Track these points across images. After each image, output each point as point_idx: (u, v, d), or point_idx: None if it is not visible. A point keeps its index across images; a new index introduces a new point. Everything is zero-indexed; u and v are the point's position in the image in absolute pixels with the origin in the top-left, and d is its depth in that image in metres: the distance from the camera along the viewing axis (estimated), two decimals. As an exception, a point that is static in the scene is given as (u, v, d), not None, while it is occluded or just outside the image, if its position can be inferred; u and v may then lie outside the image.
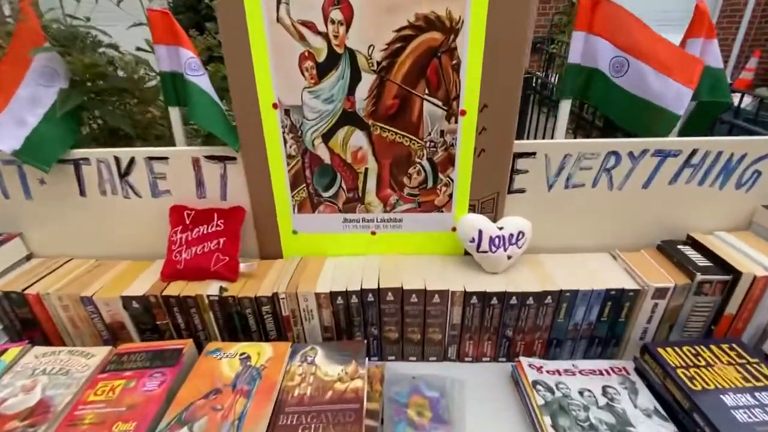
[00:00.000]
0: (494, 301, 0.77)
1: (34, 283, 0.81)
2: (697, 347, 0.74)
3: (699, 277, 0.74)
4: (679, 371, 0.69)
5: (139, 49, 0.91)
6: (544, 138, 3.07)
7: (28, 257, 0.91)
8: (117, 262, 0.88)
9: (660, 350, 0.74)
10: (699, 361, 0.71)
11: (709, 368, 0.69)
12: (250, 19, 0.67)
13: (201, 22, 2.66)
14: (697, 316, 0.78)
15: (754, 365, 0.70)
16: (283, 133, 0.76)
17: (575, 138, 3.06)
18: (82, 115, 0.88)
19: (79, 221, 0.87)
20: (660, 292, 0.75)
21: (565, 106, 0.84)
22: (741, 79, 5.93)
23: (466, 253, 0.85)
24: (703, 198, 0.83)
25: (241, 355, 0.72)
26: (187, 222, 0.81)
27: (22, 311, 0.81)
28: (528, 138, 3.08)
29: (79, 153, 0.80)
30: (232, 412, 0.61)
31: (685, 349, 0.74)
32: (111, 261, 0.88)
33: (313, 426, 0.60)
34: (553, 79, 4.69)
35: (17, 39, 0.79)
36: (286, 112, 0.74)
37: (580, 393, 0.71)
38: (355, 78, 0.71)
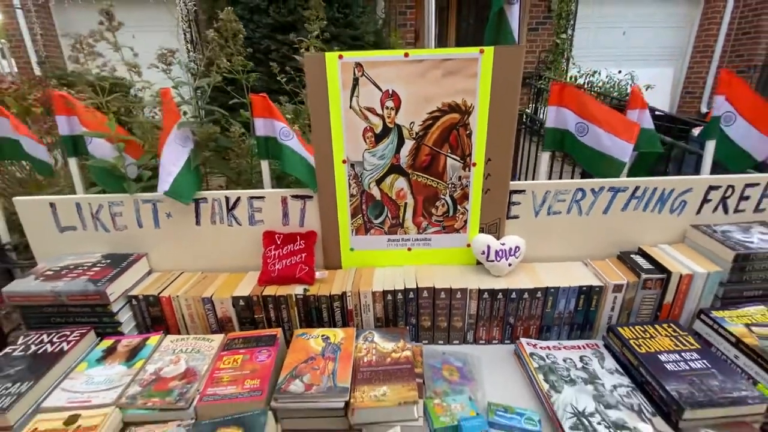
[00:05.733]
0: (500, 296, 1.07)
1: (164, 289, 1.11)
2: (645, 326, 1.04)
3: (643, 276, 1.05)
4: (631, 341, 0.99)
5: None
6: (535, 164, 3.45)
7: (149, 272, 1.20)
8: (218, 274, 1.18)
9: (620, 329, 1.03)
10: (646, 335, 1.01)
11: (652, 339, 0.99)
12: (332, 106, 1.00)
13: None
14: (645, 305, 1.09)
15: (683, 337, 0.99)
16: (349, 179, 1.08)
17: (563, 161, 3.46)
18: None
19: (192, 243, 1.18)
20: (617, 287, 1.06)
21: (545, 157, 1.17)
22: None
23: (478, 263, 1.16)
24: (647, 220, 1.15)
25: (322, 336, 1.01)
26: (278, 242, 1.12)
27: (154, 310, 1.10)
28: (520, 165, 3.46)
29: (200, 194, 1.12)
30: (327, 370, 0.90)
31: (637, 328, 1.04)
32: (213, 273, 1.18)
33: (382, 377, 0.89)
34: (541, 114, 5.13)
35: (167, 115, 1.10)
36: (352, 165, 1.07)
37: (564, 360, 1.01)
38: (401, 143, 1.04)
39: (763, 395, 0.83)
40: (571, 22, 6.37)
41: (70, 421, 0.81)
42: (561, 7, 6.17)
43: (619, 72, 6.39)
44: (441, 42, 6.79)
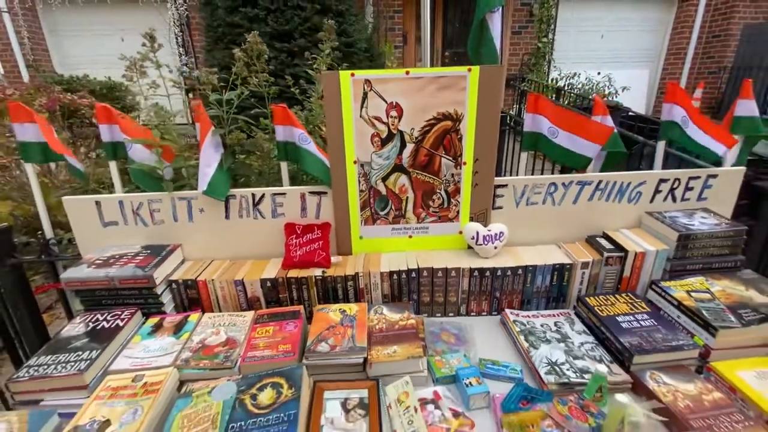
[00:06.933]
0: (487, 274, 1.27)
1: (199, 274, 1.28)
2: (608, 296, 1.25)
3: (606, 254, 1.26)
4: (596, 308, 1.20)
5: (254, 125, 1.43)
6: (519, 160, 3.71)
7: (182, 261, 1.37)
8: (245, 261, 1.35)
9: (587, 299, 1.24)
10: (608, 302, 1.22)
11: (613, 305, 1.20)
12: (345, 115, 1.19)
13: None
14: (608, 279, 1.30)
15: (638, 303, 1.21)
16: (359, 177, 1.27)
17: (544, 159, 3.70)
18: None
19: (221, 235, 1.35)
20: (584, 264, 1.27)
21: (524, 156, 1.38)
22: (689, 108, 6.77)
23: (469, 246, 1.36)
24: (609, 209, 1.37)
25: (340, 310, 1.20)
26: (298, 232, 1.30)
27: (191, 292, 1.27)
28: (504, 162, 3.69)
29: (230, 192, 1.29)
30: (347, 335, 1.09)
31: (601, 297, 1.25)
32: (240, 260, 1.36)
33: (392, 340, 1.08)
34: (523, 115, 5.38)
35: (202, 125, 1.27)
36: (361, 165, 1.26)
37: (541, 325, 1.21)
38: (403, 146, 1.23)
39: (696, 344, 1.05)
40: (552, 26, 6.66)
41: (137, 379, 0.98)
42: (542, 12, 6.45)
43: (598, 74, 6.71)
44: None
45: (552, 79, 6.59)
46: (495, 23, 1.38)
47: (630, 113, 3.99)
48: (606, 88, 6.12)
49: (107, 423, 0.87)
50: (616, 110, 3.88)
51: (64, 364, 1.00)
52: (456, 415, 0.93)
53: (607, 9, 7.28)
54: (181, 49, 6.47)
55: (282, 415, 0.84)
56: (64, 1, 6.72)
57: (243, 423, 0.83)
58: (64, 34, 7.22)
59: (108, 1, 6.80)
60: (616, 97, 6.14)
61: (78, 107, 3.33)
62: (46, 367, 1.00)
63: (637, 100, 7.29)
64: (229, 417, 0.86)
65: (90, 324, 1.16)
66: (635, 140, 2.71)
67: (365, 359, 1.02)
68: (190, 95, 1.70)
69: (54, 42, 7.24)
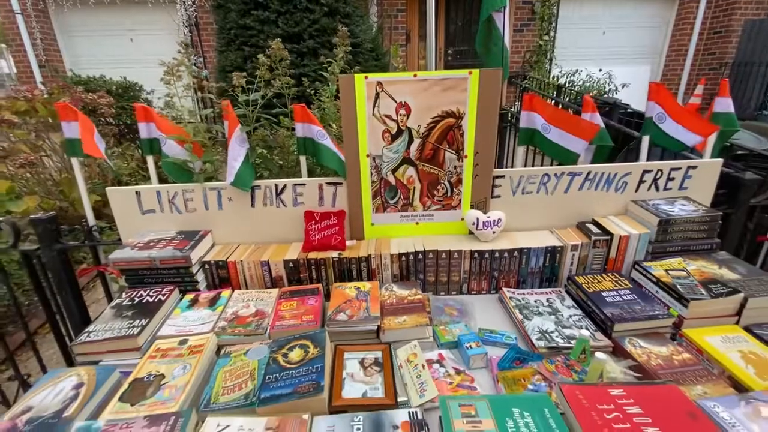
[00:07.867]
0: (486, 256, 1.41)
1: (228, 256, 1.43)
2: (595, 275, 1.39)
3: (593, 237, 1.40)
4: (584, 285, 1.34)
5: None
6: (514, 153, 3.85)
7: (213, 245, 1.52)
8: (268, 245, 1.50)
9: (577, 277, 1.38)
10: (595, 281, 1.36)
11: (598, 282, 1.34)
12: (359, 114, 1.34)
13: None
14: (596, 260, 1.44)
15: (621, 281, 1.35)
16: (371, 169, 1.41)
17: (543, 154, 3.83)
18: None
19: (247, 221, 1.50)
20: (574, 247, 1.41)
21: (521, 150, 1.52)
22: (690, 104, 6.87)
23: (470, 232, 1.50)
24: (598, 198, 1.51)
25: (355, 287, 1.35)
26: (317, 219, 1.45)
27: (222, 272, 1.42)
28: (506, 155, 3.83)
29: (255, 182, 1.44)
30: (362, 307, 1.24)
31: (589, 276, 1.39)
32: (264, 244, 1.51)
33: (402, 311, 1.23)
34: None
35: (230, 123, 1.42)
36: (373, 158, 1.40)
37: (535, 301, 1.36)
38: (410, 140, 1.38)
39: (670, 314, 1.19)
40: (553, 24, 6.76)
41: (182, 342, 1.14)
42: (543, 10, 6.55)
43: (600, 71, 6.80)
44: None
45: (553, 77, 6.69)
46: (500, 22, 1.51)
47: (629, 110, 4.10)
48: (607, 84, 6.22)
49: (161, 376, 1.02)
50: (615, 107, 3.99)
51: (118, 330, 1.15)
52: (458, 372, 1.07)
53: (608, 6, 7.37)
54: (190, 48, 6.63)
55: (310, 368, 0.99)
56: (75, 2, 6.90)
57: (278, 374, 0.98)
58: (75, 34, 7.40)
59: (118, 1, 6.97)
60: (616, 93, 6.24)
61: (97, 106, 3.49)
62: (102, 332, 1.15)
63: (638, 96, 7.35)
64: (265, 371, 1.01)
65: (135, 299, 1.31)
66: (633, 136, 2.83)
67: (379, 327, 1.17)
68: (200, 94, 1.84)
69: (65, 42, 7.43)
